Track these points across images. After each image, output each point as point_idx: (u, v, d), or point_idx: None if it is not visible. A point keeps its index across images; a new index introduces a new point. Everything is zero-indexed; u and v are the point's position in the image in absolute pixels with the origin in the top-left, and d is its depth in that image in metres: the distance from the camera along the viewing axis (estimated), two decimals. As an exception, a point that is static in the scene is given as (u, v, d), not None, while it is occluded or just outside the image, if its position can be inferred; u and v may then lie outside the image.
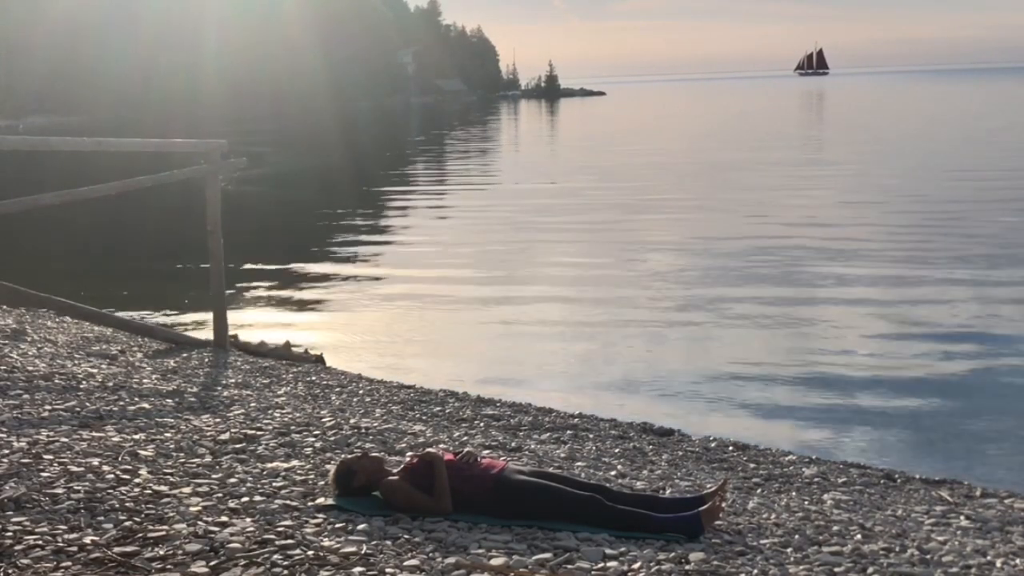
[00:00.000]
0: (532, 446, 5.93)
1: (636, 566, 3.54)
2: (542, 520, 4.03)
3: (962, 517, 5.05)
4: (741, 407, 8.10)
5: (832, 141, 41.15)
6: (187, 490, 3.94)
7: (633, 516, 4.15)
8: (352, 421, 5.71)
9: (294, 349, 9.02)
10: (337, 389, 7.36)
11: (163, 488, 3.92)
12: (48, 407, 5.13)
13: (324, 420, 5.62)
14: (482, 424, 6.72)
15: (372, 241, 18.57)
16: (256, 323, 11.28)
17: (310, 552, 3.37)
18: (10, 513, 3.48)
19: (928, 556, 4.08)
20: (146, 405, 5.57)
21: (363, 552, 3.43)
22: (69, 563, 3.13)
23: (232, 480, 4.17)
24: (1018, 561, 4.14)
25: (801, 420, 7.78)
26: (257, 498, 3.94)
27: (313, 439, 5.09)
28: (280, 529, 3.58)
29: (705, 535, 4.02)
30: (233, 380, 6.94)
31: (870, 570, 3.76)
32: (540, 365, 9.59)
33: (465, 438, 5.92)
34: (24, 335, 7.21)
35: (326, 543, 3.48)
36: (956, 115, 58.38)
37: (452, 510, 4.01)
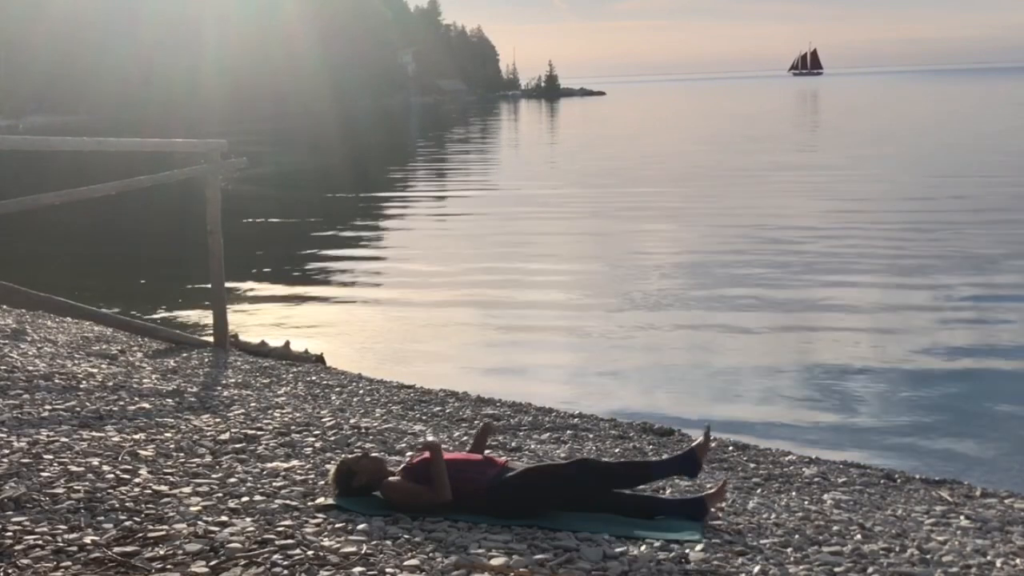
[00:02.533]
0: (532, 446, 5.93)
1: (636, 566, 3.54)
2: (544, 511, 4.05)
3: (962, 517, 5.04)
4: (741, 407, 8.09)
5: (825, 144, 41.10)
6: (187, 490, 3.94)
7: (636, 499, 4.28)
8: (352, 421, 5.71)
9: (294, 349, 9.02)
10: (337, 389, 7.37)
11: (163, 488, 3.93)
12: (48, 407, 5.13)
13: (324, 420, 5.62)
14: (482, 424, 6.71)
15: (372, 241, 18.58)
16: (256, 323, 11.29)
17: (310, 552, 3.37)
18: (10, 513, 3.48)
19: (928, 556, 4.08)
20: (146, 405, 5.58)
21: (363, 552, 3.43)
22: (69, 563, 3.13)
23: (232, 480, 4.17)
24: (1018, 561, 4.14)
25: (801, 420, 7.78)
26: (257, 498, 3.95)
27: (313, 439, 5.09)
28: (280, 529, 3.59)
29: (706, 535, 4.02)
30: (233, 380, 6.94)
31: (870, 570, 3.76)
32: (540, 365, 9.59)
33: (465, 438, 5.92)
34: (24, 335, 7.21)
35: (326, 543, 3.48)
36: (949, 117, 58.32)
37: (452, 498, 4.00)
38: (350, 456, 4.38)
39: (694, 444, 4.55)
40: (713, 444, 6.75)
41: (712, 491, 4.40)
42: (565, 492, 4.17)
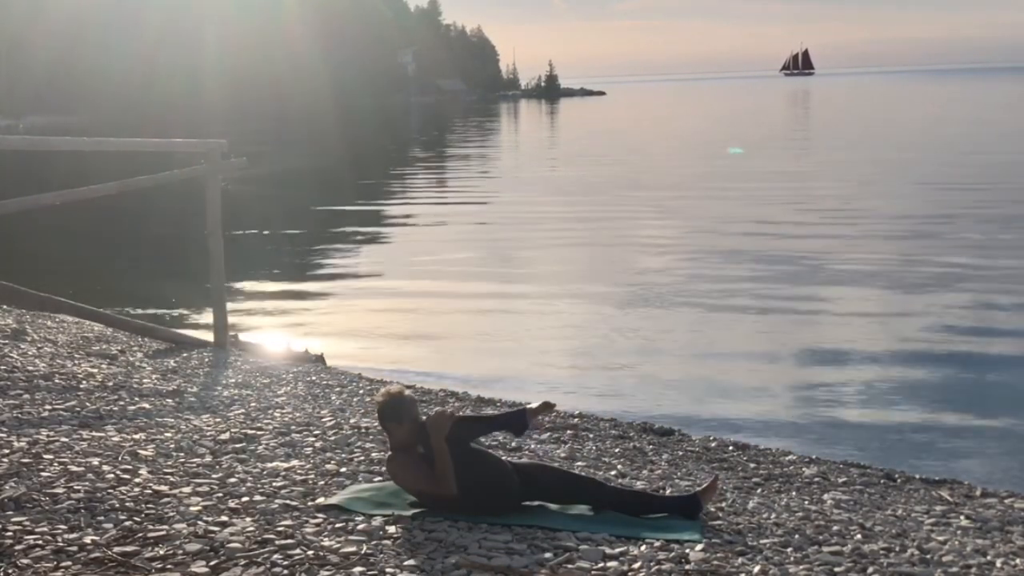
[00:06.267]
0: (532, 446, 5.93)
1: (636, 566, 3.54)
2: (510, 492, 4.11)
3: (962, 517, 5.04)
4: (742, 407, 8.09)
5: (819, 146, 41.03)
6: (187, 490, 3.95)
7: (631, 494, 4.35)
8: (352, 421, 5.71)
9: (294, 349, 9.01)
10: (337, 389, 7.36)
11: (163, 488, 3.93)
12: (48, 407, 5.14)
13: (324, 420, 5.62)
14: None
15: (372, 241, 18.58)
16: (256, 323, 11.28)
17: (310, 552, 3.38)
18: (10, 513, 3.48)
19: (928, 556, 4.08)
20: (146, 405, 5.58)
21: (363, 552, 3.43)
22: (69, 563, 3.14)
23: (232, 480, 4.17)
24: (1018, 561, 4.14)
25: (801, 420, 7.77)
26: (257, 498, 3.95)
27: (313, 439, 5.09)
28: (280, 529, 3.59)
29: (706, 535, 4.03)
30: (233, 380, 6.94)
31: (870, 570, 3.76)
32: (540, 365, 9.58)
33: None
34: (24, 335, 7.21)
35: (326, 543, 3.48)
36: (943, 118, 58.31)
37: (456, 492, 3.99)
38: (412, 400, 4.26)
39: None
40: (713, 444, 6.76)
41: (704, 487, 4.41)
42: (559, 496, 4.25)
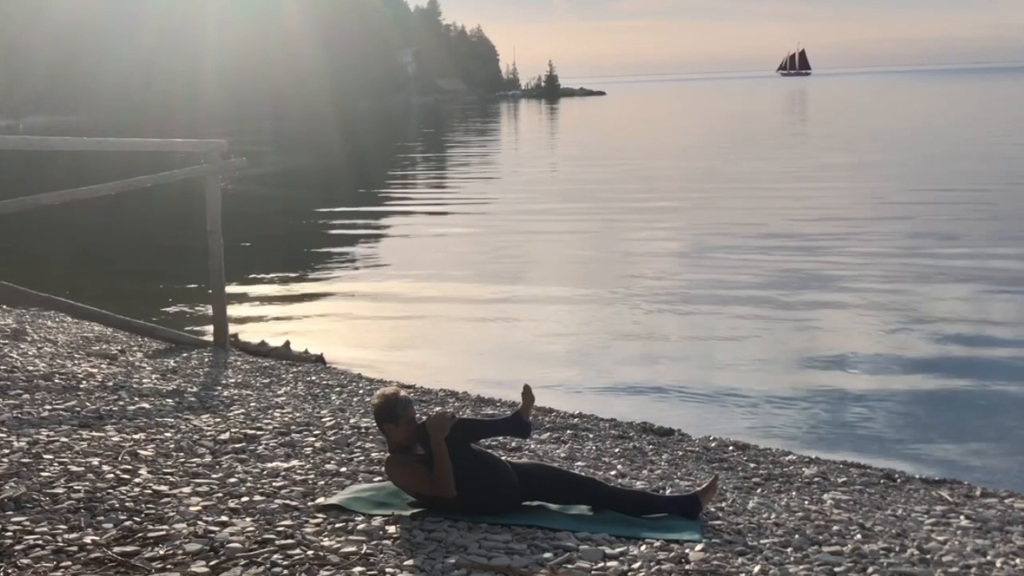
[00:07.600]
0: (532, 446, 5.93)
1: (636, 566, 3.54)
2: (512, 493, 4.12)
3: (962, 517, 5.05)
4: (741, 407, 8.09)
5: (818, 145, 41.03)
6: (187, 490, 3.95)
7: (631, 494, 4.35)
8: (352, 421, 5.71)
9: (294, 349, 9.01)
10: (337, 389, 7.36)
11: (163, 488, 3.93)
12: (48, 407, 5.14)
13: (324, 420, 5.62)
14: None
15: (372, 241, 18.58)
16: (256, 323, 11.28)
17: (310, 552, 3.38)
18: (10, 513, 3.49)
19: (928, 556, 4.08)
20: (146, 405, 5.58)
21: (363, 552, 3.43)
22: (69, 563, 3.14)
23: (232, 480, 4.17)
24: (1018, 561, 4.14)
25: (801, 420, 7.77)
26: (257, 498, 3.95)
27: (313, 439, 5.09)
28: (280, 529, 3.59)
29: (706, 535, 4.03)
30: (233, 380, 6.94)
31: (870, 570, 3.76)
32: (540, 365, 9.58)
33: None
34: (24, 335, 7.21)
35: (326, 543, 3.48)
36: (938, 118, 58.33)
37: (455, 495, 3.98)
38: (407, 401, 4.18)
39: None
40: (713, 444, 6.76)
41: (704, 487, 4.42)
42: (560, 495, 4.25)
